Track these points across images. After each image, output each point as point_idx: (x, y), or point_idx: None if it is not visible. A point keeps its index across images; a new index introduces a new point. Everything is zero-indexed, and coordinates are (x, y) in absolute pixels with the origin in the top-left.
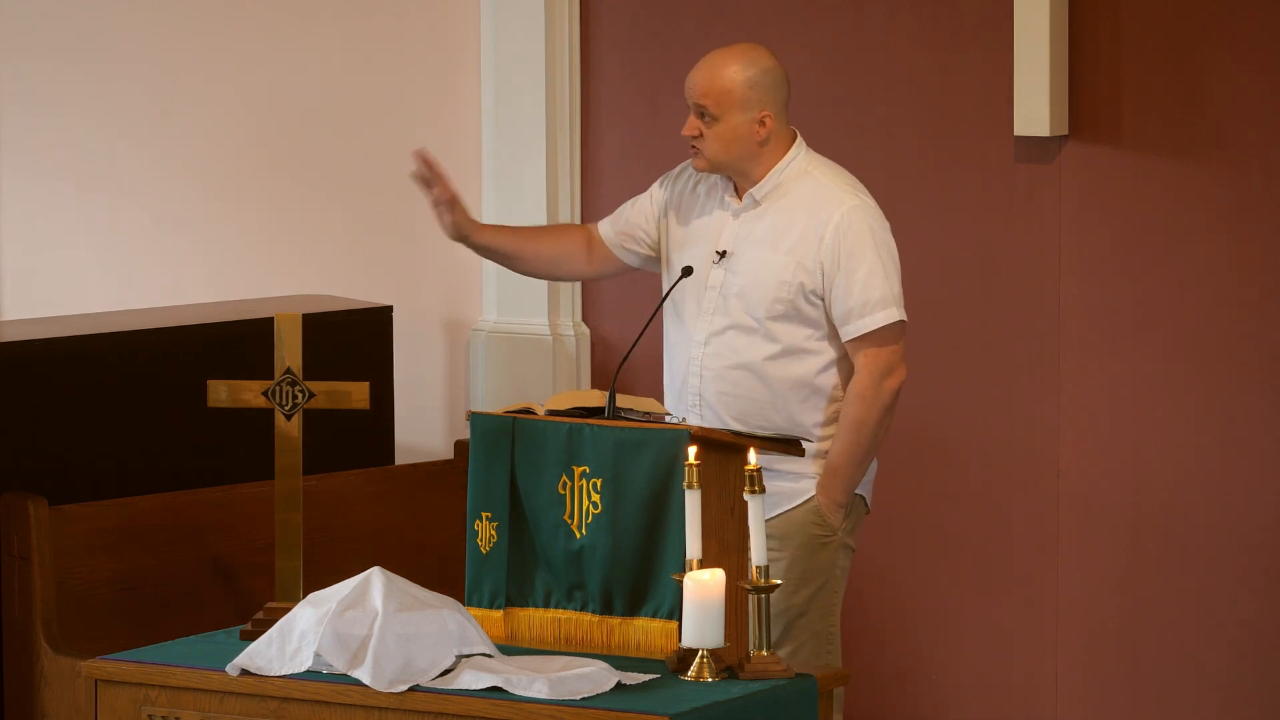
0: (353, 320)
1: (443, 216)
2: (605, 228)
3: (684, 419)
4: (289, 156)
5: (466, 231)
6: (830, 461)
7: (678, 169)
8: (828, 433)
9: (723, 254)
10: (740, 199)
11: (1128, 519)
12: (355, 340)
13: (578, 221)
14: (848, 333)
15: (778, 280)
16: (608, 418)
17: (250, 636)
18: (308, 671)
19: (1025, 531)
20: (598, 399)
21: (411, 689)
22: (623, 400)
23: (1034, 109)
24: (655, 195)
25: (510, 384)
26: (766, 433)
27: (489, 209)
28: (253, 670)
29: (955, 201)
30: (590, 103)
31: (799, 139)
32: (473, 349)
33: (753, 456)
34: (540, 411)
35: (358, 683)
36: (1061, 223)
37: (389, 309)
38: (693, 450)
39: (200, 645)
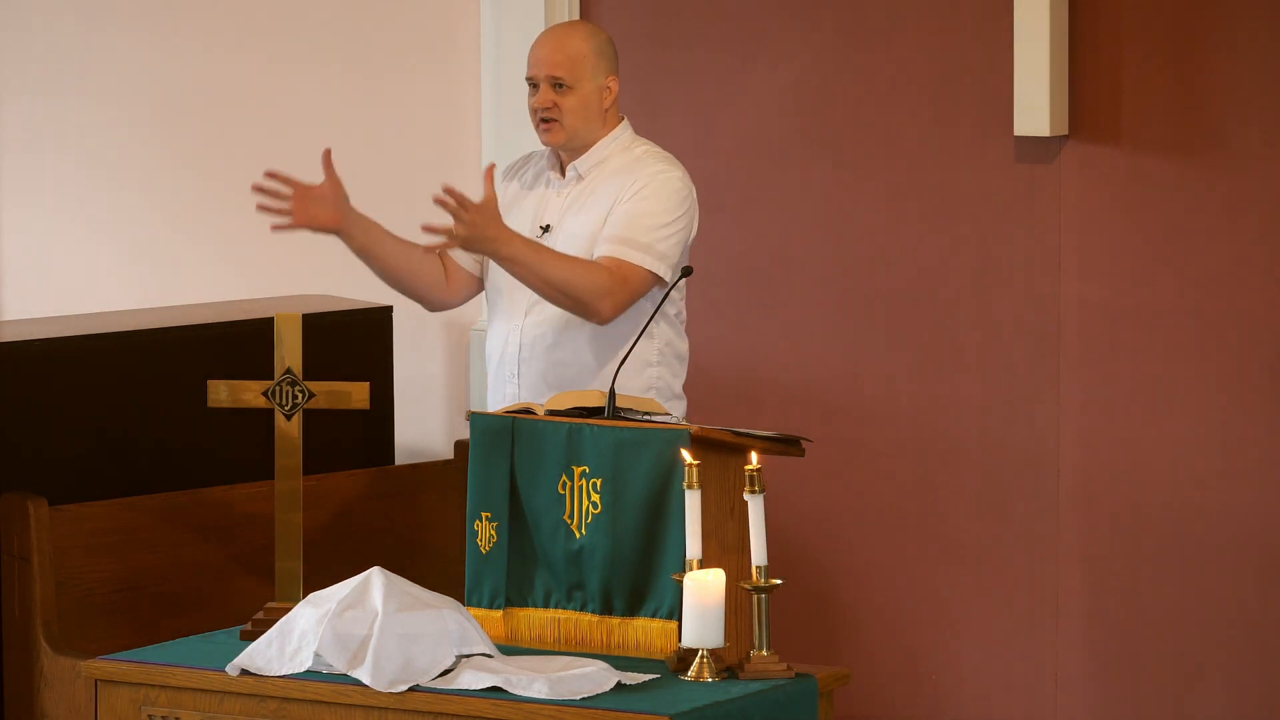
0: (353, 320)
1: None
2: (457, 251)
3: (681, 419)
4: (290, 155)
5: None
6: (532, 245)
7: (509, 164)
8: (647, 398)
9: (546, 228)
10: (564, 175)
11: (1128, 519)
12: (355, 340)
13: None
14: (600, 247)
15: (594, 245)
16: (608, 418)
17: (250, 636)
18: (308, 671)
19: (1025, 531)
20: (598, 399)
21: (411, 689)
22: (623, 400)
23: (1034, 109)
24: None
25: None
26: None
27: None
28: (253, 670)
29: (955, 201)
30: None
31: (626, 121)
32: (473, 349)
33: (754, 457)
34: (540, 411)
35: (358, 683)
36: (1061, 223)
37: (389, 309)
38: (687, 452)
39: (200, 645)
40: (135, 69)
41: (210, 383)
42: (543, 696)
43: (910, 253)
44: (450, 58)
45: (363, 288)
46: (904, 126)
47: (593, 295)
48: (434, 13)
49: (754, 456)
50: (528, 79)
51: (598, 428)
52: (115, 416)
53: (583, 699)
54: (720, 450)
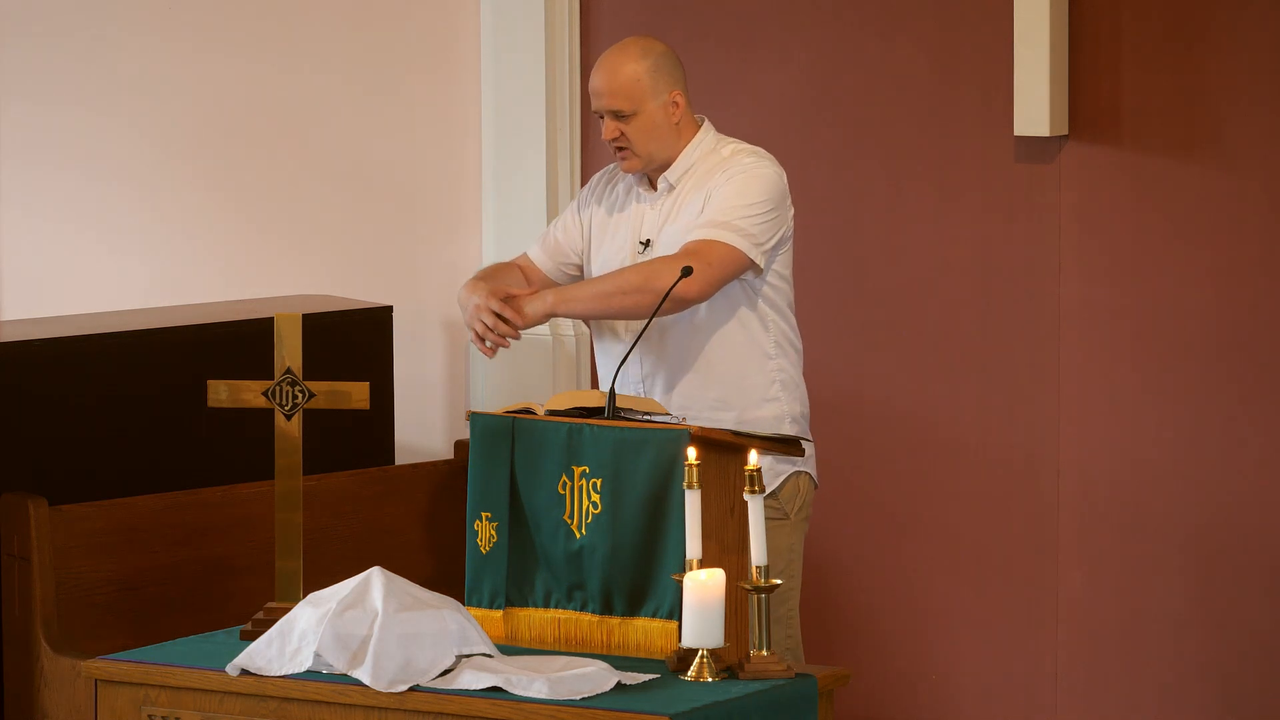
0: (353, 320)
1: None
2: (536, 254)
3: (683, 418)
4: (289, 156)
5: None
6: (580, 283)
7: (594, 179)
8: (774, 392)
9: (646, 243)
10: (654, 188)
11: (1128, 519)
12: (355, 340)
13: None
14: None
15: None
16: (608, 418)
17: (250, 636)
18: (308, 671)
19: (1025, 531)
20: (598, 399)
21: (411, 689)
22: (623, 400)
23: (1034, 109)
24: (577, 211)
25: (510, 384)
26: (765, 432)
27: (489, 210)
28: (253, 670)
29: (955, 201)
30: (590, 103)
31: (706, 122)
32: (473, 349)
33: (753, 457)
34: (540, 411)
35: (358, 683)
36: (1061, 223)
37: (389, 309)
38: (692, 450)
39: (200, 645)
40: (135, 72)
41: (210, 383)
42: (543, 696)
43: (910, 252)
44: (450, 58)
45: (363, 288)
46: (904, 126)
47: (657, 277)
48: (434, 13)
49: (753, 456)
50: (594, 112)
51: (598, 428)
52: (115, 417)
53: (583, 699)
54: (720, 450)
